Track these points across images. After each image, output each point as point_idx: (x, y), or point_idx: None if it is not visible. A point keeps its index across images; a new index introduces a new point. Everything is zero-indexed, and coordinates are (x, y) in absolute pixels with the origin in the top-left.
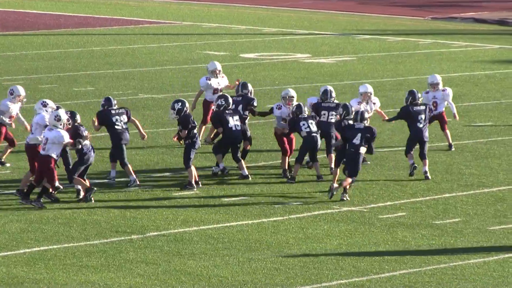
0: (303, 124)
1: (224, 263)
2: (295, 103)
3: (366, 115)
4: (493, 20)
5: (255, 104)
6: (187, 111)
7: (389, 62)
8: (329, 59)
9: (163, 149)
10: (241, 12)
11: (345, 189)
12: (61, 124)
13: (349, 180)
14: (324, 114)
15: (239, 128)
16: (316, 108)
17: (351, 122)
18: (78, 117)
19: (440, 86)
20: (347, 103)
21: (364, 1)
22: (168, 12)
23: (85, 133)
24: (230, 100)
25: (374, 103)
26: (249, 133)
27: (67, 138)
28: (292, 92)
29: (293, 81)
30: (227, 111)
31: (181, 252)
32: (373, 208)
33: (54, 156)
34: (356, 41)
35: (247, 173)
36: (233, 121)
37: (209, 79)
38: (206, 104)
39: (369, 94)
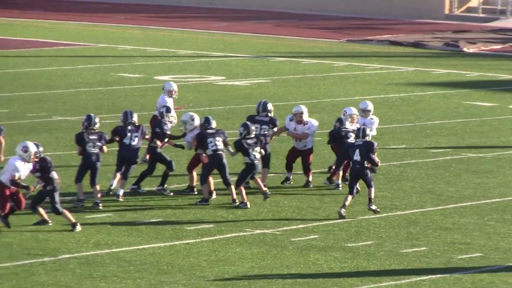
0: (210, 142)
1: (136, 286)
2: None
3: (368, 131)
4: (408, 42)
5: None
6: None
7: (303, 84)
8: (244, 82)
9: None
10: (156, 35)
11: (370, 199)
12: (27, 156)
13: (372, 190)
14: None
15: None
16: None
17: (352, 139)
18: (41, 149)
19: (371, 114)
20: (247, 122)
21: (279, 23)
22: (83, 34)
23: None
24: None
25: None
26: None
27: (18, 172)
28: (303, 108)
29: (207, 103)
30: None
31: (93, 274)
32: (286, 230)
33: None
34: (271, 64)
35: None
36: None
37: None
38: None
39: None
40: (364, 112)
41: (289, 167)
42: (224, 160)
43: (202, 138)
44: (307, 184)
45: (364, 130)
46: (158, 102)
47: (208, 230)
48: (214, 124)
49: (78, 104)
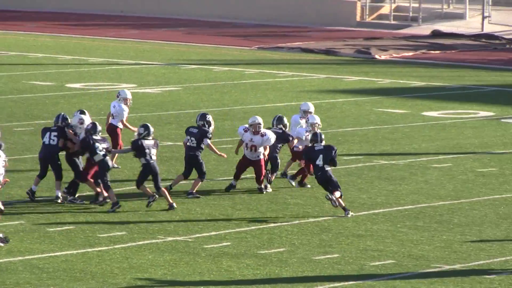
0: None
1: None
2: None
3: (323, 136)
4: (319, 49)
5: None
6: None
7: (214, 92)
8: (155, 89)
9: None
10: (67, 43)
11: (343, 207)
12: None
13: (337, 194)
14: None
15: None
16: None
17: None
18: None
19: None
20: (148, 124)
21: (190, 31)
22: None
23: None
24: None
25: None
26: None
27: None
28: (259, 119)
29: None
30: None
31: (5, 282)
32: (198, 238)
33: None
34: (182, 71)
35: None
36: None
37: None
38: (114, 128)
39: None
40: (305, 113)
41: (237, 176)
42: (156, 168)
43: (138, 147)
44: (261, 190)
45: (321, 135)
46: (117, 111)
47: (120, 237)
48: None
49: None
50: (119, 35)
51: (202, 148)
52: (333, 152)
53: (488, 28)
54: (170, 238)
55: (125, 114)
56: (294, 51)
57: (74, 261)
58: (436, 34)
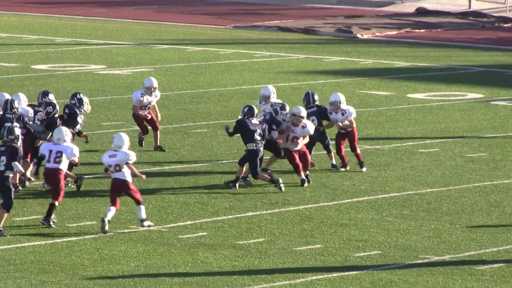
0: None
1: (16, 286)
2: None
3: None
4: (298, 28)
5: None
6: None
7: (188, 73)
8: (125, 71)
9: None
10: (32, 22)
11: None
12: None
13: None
14: None
15: None
16: None
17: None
18: None
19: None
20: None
21: (162, 9)
22: None
23: None
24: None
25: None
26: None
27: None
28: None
29: (87, 93)
30: None
31: None
32: (173, 227)
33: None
34: (154, 51)
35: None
36: None
37: (143, 96)
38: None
39: (338, 103)
40: (265, 98)
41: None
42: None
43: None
44: (302, 182)
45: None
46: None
47: (90, 227)
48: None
49: None
50: (86, 13)
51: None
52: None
53: (476, 6)
54: (142, 228)
55: (144, 104)
56: (271, 30)
57: (42, 253)
58: (421, 12)
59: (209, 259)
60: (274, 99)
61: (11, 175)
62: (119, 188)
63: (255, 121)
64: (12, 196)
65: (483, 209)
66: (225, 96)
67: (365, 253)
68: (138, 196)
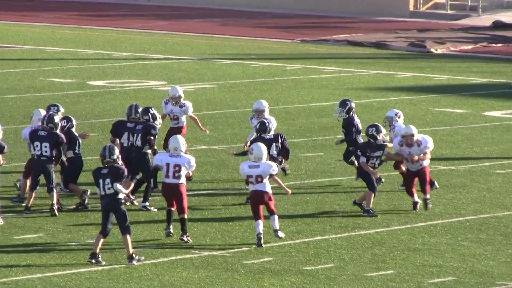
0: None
1: None
2: None
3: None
4: (369, 42)
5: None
6: None
7: (253, 89)
8: (187, 87)
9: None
10: (88, 35)
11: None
12: None
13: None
14: None
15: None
16: None
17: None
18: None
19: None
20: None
21: (226, 22)
22: (7, 35)
23: None
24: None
25: None
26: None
27: None
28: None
29: None
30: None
31: None
32: (237, 252)
33: None
34: (217, 66)
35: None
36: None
37: (166, 103)
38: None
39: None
40: (258, 113)
41: (410, 192)
42: (48, 167)
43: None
44: (426, 205)
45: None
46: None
47: (150, 253)
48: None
49: (4, 112)
50: (146, 26)
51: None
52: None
53: None
54: (205, 253)
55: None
56: (340, 44)
57: (99, 279)
58: (498, 25)
59: (275, 285)
60: (267, 114)
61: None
62: (261, 200)
63: (268, 136)
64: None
65: None
66: (292, 114)
67: (440, 279)
68: (273, 206)
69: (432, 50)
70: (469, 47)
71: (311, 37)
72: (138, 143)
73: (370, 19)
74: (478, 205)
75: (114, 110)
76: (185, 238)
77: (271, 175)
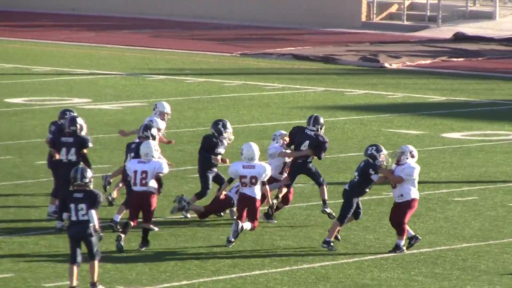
0: None
1: None
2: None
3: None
4: (316, 56)
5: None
6: None
7: (187, 108)
8: (114, 105)
9: None
10: (5, 48)
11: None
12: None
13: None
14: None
15: None
16: None
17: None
18: None
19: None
20: None
21: (158, 33)
22: None
23: None
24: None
25: None
26: None
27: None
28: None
29: None
30: None
31: None
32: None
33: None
34: (148, 83)
35: None
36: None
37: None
38: None
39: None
40: (162, 114)
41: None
42: None
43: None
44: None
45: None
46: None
47: None
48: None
49: None
50: (70, 38)
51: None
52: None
53: None
54: None
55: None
56: (285, 58)
57: None
58: (459, 37)
59: None
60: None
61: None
62: (246, 205)
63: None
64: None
65: None
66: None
67: None
68: (257, 214)
69: (386, 65)
70: (427, 61)
71: (252, 51)
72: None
73: (317, 31)
74: (434, 236)
75: (33, 130)
76: (143, 249)
77: (263, 182)
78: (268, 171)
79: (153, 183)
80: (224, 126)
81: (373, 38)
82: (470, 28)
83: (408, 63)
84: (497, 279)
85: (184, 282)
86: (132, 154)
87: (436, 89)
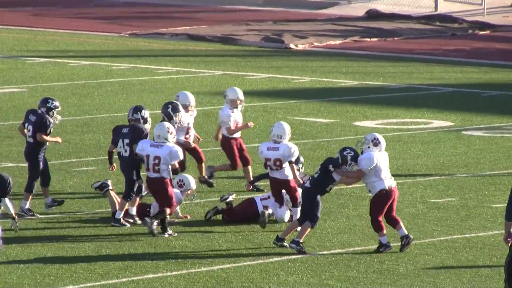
0: None
1: None
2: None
3: None
4: (213, 37)
5: None
6: None
7: (71, 94)
8: None
9: None
10: None
11: None
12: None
13: None
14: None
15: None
16: None
17: None
18: None
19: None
20: None
21: (38, 11)
22: None
23: None
24: None
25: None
26: None
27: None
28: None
29: None
30: None
31: None
32: None
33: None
34: (27, 66)
35: None
36: None
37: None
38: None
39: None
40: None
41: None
42: None
43: None
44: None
45: None
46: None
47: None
48: None
49: None
50: None
51: None
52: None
53: (444, 7)
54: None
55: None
56: (179, 38)
57: None
58: (372, 15)
59: None
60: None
61: None
62: (280, 189)
63: None
64: None
65: (451, 271)
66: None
67: None
68: (298, 195)
69: (292, 45)
70: (337, 42)
71: (143, 30)
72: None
73: (215, 8)
74: (347, 235)
75: None
76: (166, 235)
77: (290, 162)
78: (294, 152)
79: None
80: (175, 109)
81: (277, 16)
82: (384, 5)
83: (316, 44)
84: (417, 283)
85: (71, 287)
86: (127, 141)
87: (347, 73)
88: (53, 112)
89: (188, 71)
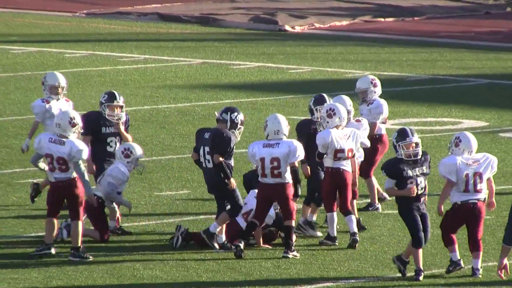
0: None
1: None
2: None
3: None
4: (190, 17)
5: None
6: None
7: (14, 88)
8: None
9: None
10: None
11: None
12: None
13: None
14: None
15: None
16: None
17: None
18: None
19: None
20: None
21: None
22: None
23: None
24: None
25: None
26: None
27: None
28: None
29: None
30: None
31: None
32: None
33: None
34: None
35: None
36: None
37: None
38: None
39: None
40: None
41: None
42: None
43: None
44: None
45: None
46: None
47: None
48: None
49: None
50: None
51: None
52: None
53: None
54: None
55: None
56: (147, 19)
57: None
58: None
59: None
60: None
61: None
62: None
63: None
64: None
65: None
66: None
67: None
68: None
69: (287, 27)
70: (344, 23)
71: (103, 9)
72: None
73: None
74: (356, 263)
75: None
76: (289, 255)
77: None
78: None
79: None
80: (112, 97)
81: None
82: None
83: (318, 25)
84: None
85: None
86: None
87: (356, 61)
88: None
89: (159, 59)
